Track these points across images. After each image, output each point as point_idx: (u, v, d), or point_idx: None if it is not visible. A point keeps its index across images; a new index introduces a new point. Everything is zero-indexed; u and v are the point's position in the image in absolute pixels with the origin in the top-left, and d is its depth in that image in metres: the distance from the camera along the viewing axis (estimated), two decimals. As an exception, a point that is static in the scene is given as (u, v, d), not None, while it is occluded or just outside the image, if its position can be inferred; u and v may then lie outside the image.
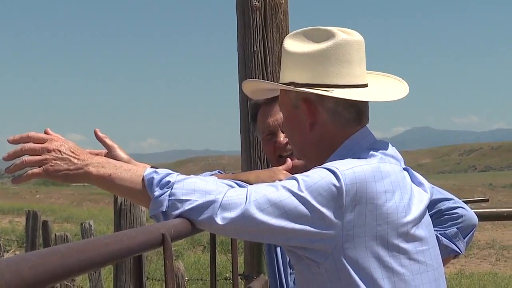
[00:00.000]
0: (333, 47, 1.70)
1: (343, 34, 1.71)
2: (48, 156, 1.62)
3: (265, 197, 1.52)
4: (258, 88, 1.94)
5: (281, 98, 1.81)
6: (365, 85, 1.74)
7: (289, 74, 1.75)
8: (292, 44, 1.76)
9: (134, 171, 1.63)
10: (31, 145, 1.63)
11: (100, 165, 1.63)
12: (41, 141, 1.64)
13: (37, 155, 1.62)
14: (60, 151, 1.63)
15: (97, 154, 1.90)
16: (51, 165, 1.61)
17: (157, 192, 1.56)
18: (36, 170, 1.62)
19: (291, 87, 1.73)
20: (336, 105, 1.70)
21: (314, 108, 1.72)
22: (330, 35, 1.71)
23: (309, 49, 1.72)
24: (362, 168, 1.57)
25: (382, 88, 1.79)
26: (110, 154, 1.92)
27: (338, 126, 1.71)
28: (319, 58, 1.70)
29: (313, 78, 1.71)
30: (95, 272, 6.89)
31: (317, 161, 1.71)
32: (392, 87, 1.83)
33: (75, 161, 1.63)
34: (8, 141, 1.65)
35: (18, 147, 1.63)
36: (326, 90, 1.68)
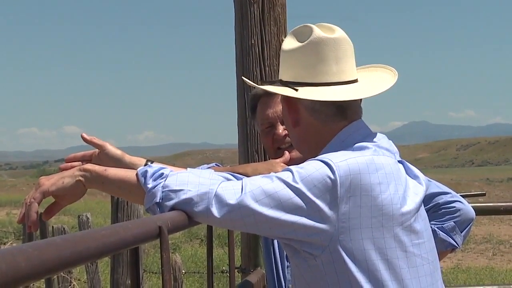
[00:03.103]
0: (308, 45, 1.72)
1: (319, 31, 1.72)
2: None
3: (260, 188, 1.52)
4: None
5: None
6: (345, 82, 1.73)
7: (280, 70, 1.80)
8: (285, 41, 1.79)
9: (129, 170, 1.67)
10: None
11: (95, 165, 1.67)
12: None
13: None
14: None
15: (91, 155, 1.93)
16: (45, 185, 1.64)
17: (151, 184, 1.57)
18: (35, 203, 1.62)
19: (267, 87, 1.79)
20: (313, 103, 1.72)
21: (294, 106, 1.75)
22: (307, 33, 1.73)
23: (292, 47, 1.76)
24: (356, 160, 1.57)
25: (364, 84, 1.78)
26: (103, 152, 1.96)
27: (320, 122, 1.73)
28: (297, 56, 1.74)
29: (294, 76, 1.74)
30: (92, 264, 6.89)
31: (309, 155, 1.73)
32: (376, 82, 1.81)
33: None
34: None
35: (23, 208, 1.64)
36: (295, 89, 1.71)
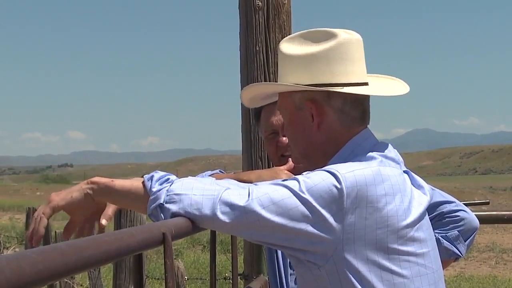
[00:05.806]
0: (336, 46, 1.70)
1: (344, 33, 1.72)
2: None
3: (267, 195, 1.52)
4: (256, 94, 1.91)
5: (282, 102, 1.79)
6: (367, 83, 1.75)
7: (291, 77, 1.74)
8: (290, 47, 1.75)
9: (135, 180, 1.67)
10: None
11: (102, 177, 1.67)
12: None
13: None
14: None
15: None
16: (54, 200, 1.63)
17: (156, 187, 1.57)
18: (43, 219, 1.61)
19: (300, 86, 1.71)
20: (343, 103, 1.70)
21: (321, 108, 1.71)
22: (330, 35, 1.71)
23: (310, 50, 1.71)
24: (362, 172, 1.57)
25: (384, 86, 1.81)
26: None
27: (344, 126, 1.71)
28: (322, 57, 1.70)
29: (317, 78, 1.70)
30: (94, 270, 6.88)
31: (321, 162, 1.70)
32: (392, 85, 1.84)
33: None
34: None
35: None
36: (334, 89, 1.68)
